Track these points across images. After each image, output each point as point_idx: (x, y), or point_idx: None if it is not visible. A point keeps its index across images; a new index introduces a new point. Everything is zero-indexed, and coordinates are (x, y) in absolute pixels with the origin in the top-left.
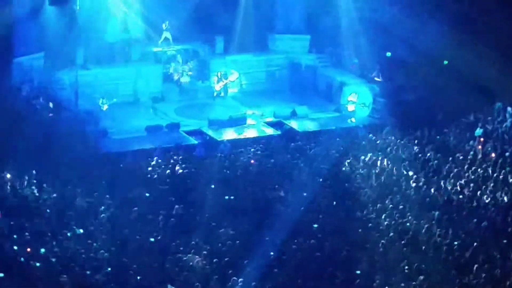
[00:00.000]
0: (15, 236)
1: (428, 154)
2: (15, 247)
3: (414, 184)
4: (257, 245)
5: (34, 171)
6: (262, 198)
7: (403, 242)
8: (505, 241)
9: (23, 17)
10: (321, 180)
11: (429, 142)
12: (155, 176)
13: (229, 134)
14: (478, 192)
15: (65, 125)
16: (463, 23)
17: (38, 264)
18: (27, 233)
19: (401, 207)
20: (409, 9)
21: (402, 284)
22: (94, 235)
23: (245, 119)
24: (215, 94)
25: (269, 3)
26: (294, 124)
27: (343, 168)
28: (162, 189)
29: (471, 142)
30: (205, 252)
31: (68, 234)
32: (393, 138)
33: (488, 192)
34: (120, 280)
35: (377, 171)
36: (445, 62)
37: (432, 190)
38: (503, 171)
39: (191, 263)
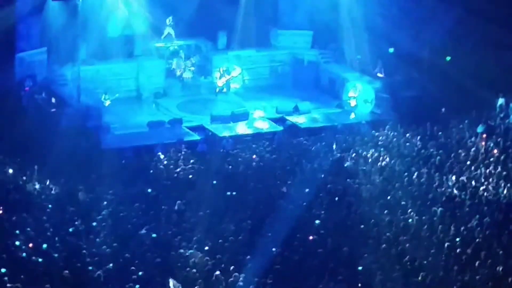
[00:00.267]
0: (17, 231)
1: (431, 150)
2: (17, 243)
3: (416, 180)
4: (259, 241)
5: (36, 166)
6: (264, 194)
7: (405, 238)
8: (507, 237)
9: (25, 12)
10: (323, 176)
11: (432, 138)
12: (157, 171)
13: (232, 130)
14: (481, 188)
15: (67, 120)
16: (467, 18)
17: (40, 260)
18: (29, 229)
19: (403, 203)
20: (412, 4)
21: (404, 280)
22: (96, 230)
23: (247, 115)
24: (217, 89)
25: None
26: (296, 119)
27: (346, 164)
28: (164, 185)
29: (473, 138)
30: (207, 247)
31: (70, 229)
32: (395, 134)
33: (490, 188)
34: (122, 276)
35: (379, 167)
36: (448, 58)
37: (434, 186)
38: (506, 167)
39: (193, 259)
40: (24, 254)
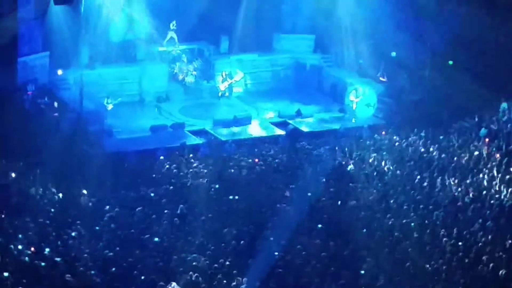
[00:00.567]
0: (20, 235)
1: (433, 154)
2: (20, 247)
3: (418, 185)
4: (261, 245)
5: (38, 171)
6: (266, 198)
7: (407, 242)
8: (510, 241)
9: (28, 17)
10: (325, 180)
11: (434, 142)
12: (160, 175)
13: (234, 134)
14: (483, 192)
15: (69, 124)
16: (468, 23)
17: (42, 264)
18: (31, 233)
19: (405, 207)
20: (414, 9)
21: (406, 285)
22: (99, 234)
23: (250, 119)
24: (220, 94)
25: (274, 2)
26: (299, 124)
27: (348, 168)
28: (167, 189)
29: (475, 142)
30: (209, 252)
31: (73, 233)
32: (397, 138)
33: (493, 192)
34: (125, 280)
35: (381, 171)
36: (450, 62)
37: (437, 190)
38: (509, 171)
39: (195, 263)
40: (26, 258)
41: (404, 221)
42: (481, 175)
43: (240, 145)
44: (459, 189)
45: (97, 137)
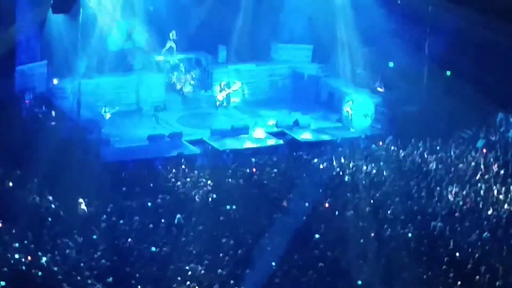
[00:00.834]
0: (16, 244)
1: (430, 165)
2: (17, 256)
3: (416, 195)
4: (258, 255)
5: (36, 179)
6: (264, 208)
7: (404, 252)
8: (507, 252)
9: (26, 26)
10: (323, 190)
11: (431, 152)
12: (157, 185)
13: (232, 144)
14: (481, 203)
15: (67, 133)
16: (466, 34)
17: (39, 273)
18: (28, 242)
19: (402, 217)
20: (412, 19)
21: None
22: (96, 244)
23: (247, 129)
24: (217, 103)
25: (272, 12)
26: (296, 134)
27: (345, 178)
28: (164, 198)
29: (473, 153)
30: (206, 261)
31: (70, 243)
32: (395, 148)
33: (490, 203)
34: None
35: (379, 181)
36: (448, 73)
37: (434, 200)
38: (506, 182)
39: (192, 273)
40: (23, 267)
41: (401, 231)
42: (478, 186)
43: (237, 155)
44: (457, 199)
45: (95, 146)
